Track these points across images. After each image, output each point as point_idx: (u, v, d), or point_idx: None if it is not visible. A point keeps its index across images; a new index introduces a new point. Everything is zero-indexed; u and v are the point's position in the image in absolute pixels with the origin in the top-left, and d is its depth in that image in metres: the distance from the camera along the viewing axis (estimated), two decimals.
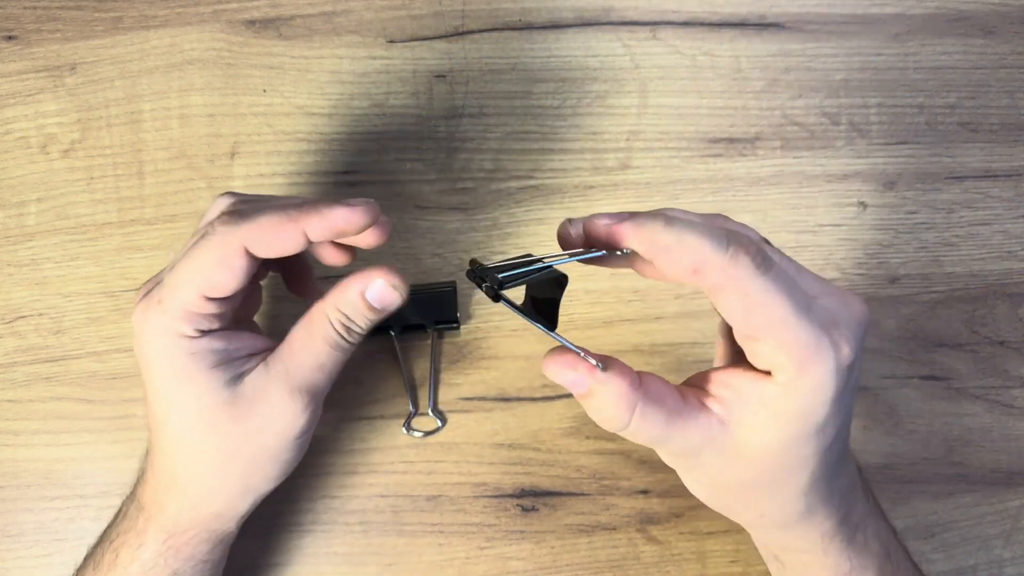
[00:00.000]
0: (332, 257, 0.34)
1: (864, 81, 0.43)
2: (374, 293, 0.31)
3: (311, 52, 0.42)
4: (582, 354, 0.26)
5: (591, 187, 0.42)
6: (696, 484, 0.30)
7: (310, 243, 0.29)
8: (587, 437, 0.39)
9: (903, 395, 0.41)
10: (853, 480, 0.31)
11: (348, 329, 0.31)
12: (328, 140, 0.42)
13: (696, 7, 0.43)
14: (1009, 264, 0.42)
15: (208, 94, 0.41)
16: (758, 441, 0.27)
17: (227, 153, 0.41)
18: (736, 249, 0.25)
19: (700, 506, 0.39)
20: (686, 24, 0.43)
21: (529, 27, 0.43)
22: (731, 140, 0.43)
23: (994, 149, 0.43)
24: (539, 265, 0.27)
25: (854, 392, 0.28)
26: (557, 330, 0.28)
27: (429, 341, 0.39)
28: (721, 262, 0.25)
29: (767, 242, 0.29)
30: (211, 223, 0.29)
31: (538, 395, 0.40)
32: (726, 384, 0.28)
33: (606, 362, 0.26)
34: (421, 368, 0.40)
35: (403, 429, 0.39)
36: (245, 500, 0.32)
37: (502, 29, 0.43)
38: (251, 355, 0.31)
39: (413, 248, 0.41)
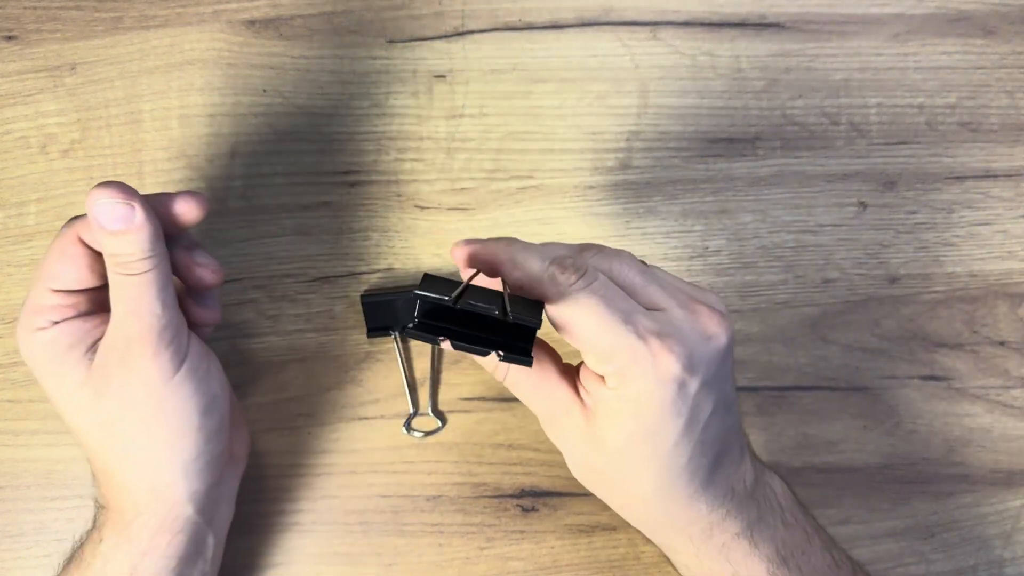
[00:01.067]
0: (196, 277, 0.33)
1: (864, 81, 0.43)
2: (101, 217, 0.29)
3: (311, 52, 0.42)
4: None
5: (591, 187, 0.42)
6: (571, 463, 0.33)
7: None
8: None
9: (903, 395, 0.41)
10: (733, 486, 0.31)
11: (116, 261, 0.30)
12: (328, 140, 0.41)
13: (696, 7, 0.43)
14: (1009, 264, 0.42)
15: (208, 94, 0.41)
16: (605, 434, 0.30)
17: (227, 153, 0.41)
18: (554, 268, 0.29)
19: None
20: (686, 24, 0.43)
21: (529, 27, 0.43)
22: (731, 140, 0.43)
23: (994, 149, 0.43)
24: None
25: (718, 400, 0.29)
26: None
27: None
28: (540, 279, 0.29)
29: (643, 263, 0.31)
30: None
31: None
32: (585, 377, 0.31)
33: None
34: (421, 368, 0.40)
35: (403, 429, 0.39)
36: (176, 472, 0.31)
37: (502, 29, 0.43)
38: (101, 330, 0.31)
39: (413, 248, 0.41)
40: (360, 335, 0.40)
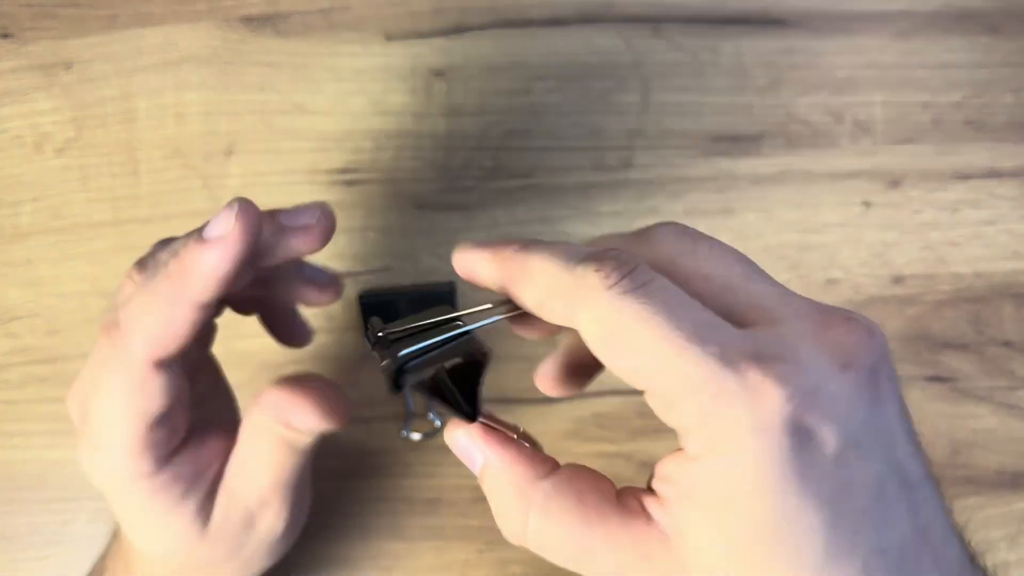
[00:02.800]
0: (309, 297, 0.30)
1: (869, 79, 0.43)
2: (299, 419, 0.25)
3: (308, 49, 0.42)
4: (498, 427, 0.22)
5: (592, 186, 0.41)
6: None
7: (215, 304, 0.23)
8: (588, 439, 0.39)
9: (908, 396, 0.40)
10: (906, 553, 0.19)
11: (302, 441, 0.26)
12: (325, 138, 0.41)
13: (699, 3, 0.43)
14: (1015, 264, 0.42)
15: (204, 92, 0.41)
16: (700, 558, 0.18)
17: (223, 151, 0.41)
18: (586, 265, 0.19)
19: None
20: (689, 21, 0.43)
21: (529, 24, 0.42)
22: (734, 138, 0.42)
23: (1000, 147, 0.43)
24: (455, 332, 0.22)
25: (883, 471, 0.18)
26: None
27: None
28: (563, 282, 0.19)
29: (737, 253, 0.22)
30: (101, 332, 0.24)
31: (539, 397, 0.39)
32: (665, 477, 0.19)
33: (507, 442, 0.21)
34: None
35: (402, 432, 0.38)
36: None
37: (502, 26, 0.42)
38: (222, 464, 0.27)
39: (412, 248, 0.41)
40: (358, 336, 0.40)
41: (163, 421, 0.24)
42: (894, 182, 0.42)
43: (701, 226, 0.41)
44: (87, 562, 0.38)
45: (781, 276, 0.41)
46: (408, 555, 0.38)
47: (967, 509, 0.40)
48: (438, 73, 0.42)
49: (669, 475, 0.19)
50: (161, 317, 0.23)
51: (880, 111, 0.43)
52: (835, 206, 0.42)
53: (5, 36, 0.42)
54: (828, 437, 0.17)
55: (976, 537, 0.39)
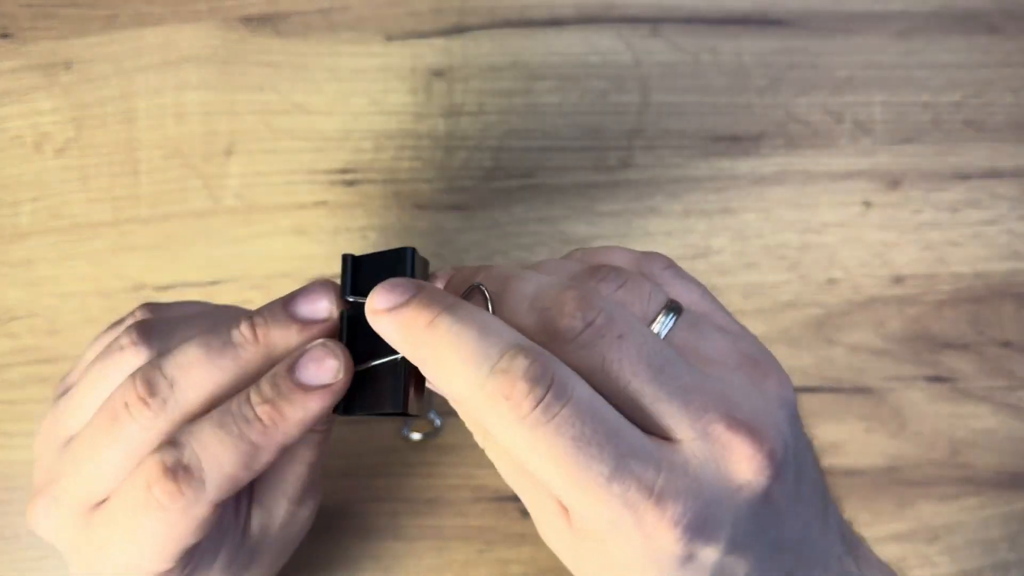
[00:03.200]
0: None
1: (868, 79, 0.43)
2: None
3: (308, 49, 0.42)
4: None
5: (592, 186, 0.41)
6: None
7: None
8: None
9: (908, 396, 0.41)
10: None
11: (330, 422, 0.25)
12: (325, 138, 0.41)
13: (699, 3, 0.43)
14: (1015, 264, 0.42)
15: (204, 92, 0.41)
16: (590, 556, 0.21)
17: (223, 151, 0.41)
18: (498, 379, 0.18)
19: None
20: (688, 21, 0.43)
21: (529, 24, 0.42)
22: (734, 138, 0.42)
23: (1000, 147, 0.43)
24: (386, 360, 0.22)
25: (766, 569, 0.20)
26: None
27: None
28: (473, 393, 0.18)
29: (650, 291, 0.21)
30: (161, 476, 0.21)
31: None
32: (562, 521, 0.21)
33: None
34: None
35: (402, 431, 0.39)
36: None
37: (502, 26, 0.42)
38: (233, 502, 0.25)
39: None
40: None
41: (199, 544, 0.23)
42: (894, 182, 0.42)
43: (701, 226, 0.41)
44: None
45: (781, 276, 0.41)
46: (408, 555, 0.38)
47: (967, 509, 0.40)
48: (438, 73, 0.42)
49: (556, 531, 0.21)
50: (242, 462, 0.21)
51: (880, 111, 0.43)
52: (835, 206, 0.42)
53: (5, 36, 0.42)
54: (711, 555, 0.19)
55: (976, 537, 0.39)
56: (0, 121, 0.41)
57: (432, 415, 0.39)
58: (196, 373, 0.21)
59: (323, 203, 0.41)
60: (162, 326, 0.24)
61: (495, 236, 0.41)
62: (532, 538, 0.38)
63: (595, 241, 0.41)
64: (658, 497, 0.18)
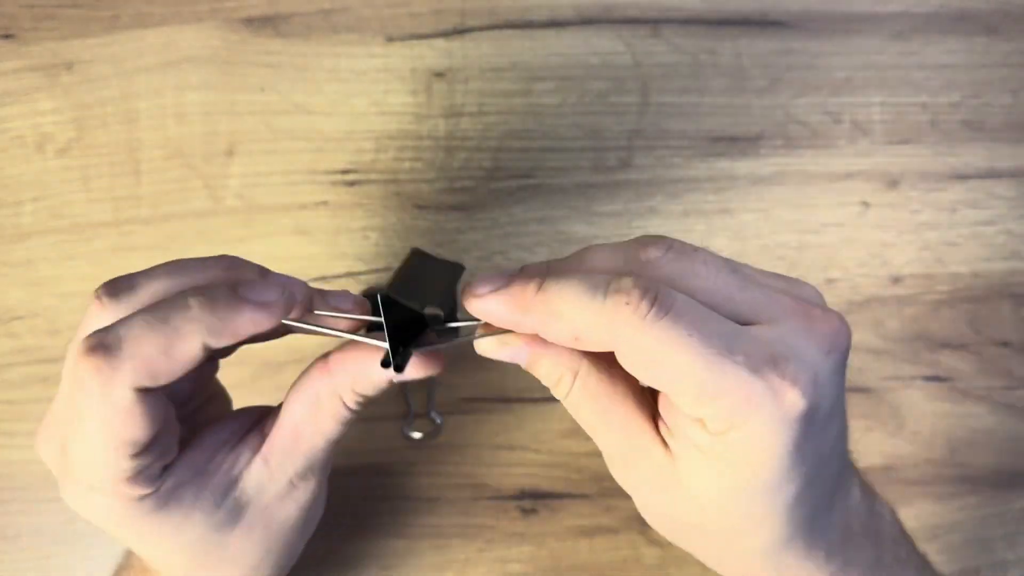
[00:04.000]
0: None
1: (867, 79, 0.43)
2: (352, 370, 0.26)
3: (309, 50, 0.42)
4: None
5: (592, 186, 0.42)
6: (647, 512, 0.26)
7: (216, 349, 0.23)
8: (588, 438, 0.39)
9: (906, 396, 0.41)
10: (849, 523, 0.26)
11: (362, 404, 0.27)
12: (326, 138, 0.41)
13: (698, 5, 0.43)
14: (1013, 264, 0.42)
15: (205, 92, 0.41)
16: (700, 486, 0.23)
17: (224, 151, 0.41)
18: (615, 297, 0.21)
19: None
20: (688, 22, 0.43)
21: (529, 25, 0.43)
22: (733, 139, 0.42)
23: (998, 148, 0.43)
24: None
25: (840, 427, 0.24)
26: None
27: None
28: (597, 318, 0.21)
29: (725, 260, 0.24)
30: (82, 355, 0.22)
31: (539, 396, 0.39)
32: (668, 413, 0.23)
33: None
34: None
35: (403, 430, 0.39)
36: None
37: (502, 27, 0.43)
38: (234, 448, 0.26)
39: (412, 247, 0.41)
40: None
41: (152, 444, 0.23)
42: (892, 182, 0.43)
43: (700, 226, 0.41)
44: (89, 561, 0.38)
45: None
46: (409, 553, 0.38)
47: (965, 508, 0.40)
48: (438, 74, 0.42)
49: (683, 432, 0.23)
50: (162, 349, 0.22)
51: (878, 112, 0.43)
52: (833, 206, 0.42)
53: (7, 37, 0.42)
54: (820, 417, 0.22)
55: (974, 536, 0.39)
56: (1, 121, 0.41)
57: (433, 414, 0.39)
58: (138, 327, 0.23)
59: (324, 203, 0.41)
60: (125, 283, 0.24)
61: (495, 236, 0.41)
62: (532, 537, 0.38)
63: (594, 241, 0.41)
64: (778, 363, 0.21)
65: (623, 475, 0.26)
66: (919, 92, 0.43)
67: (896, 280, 0.42)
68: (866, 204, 0.42)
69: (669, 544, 0.38)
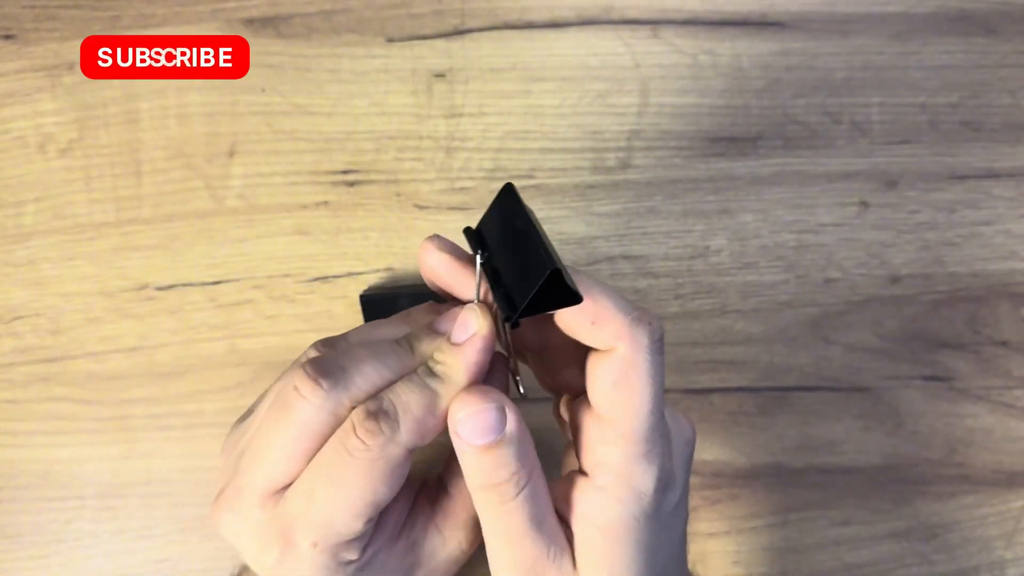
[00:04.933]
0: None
1: (866, 80, 0.43)
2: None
3: (310, 51, 0.42)
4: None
5: (591, 186, 0.42)
6: None
7: None
8: None
9: (905, 396, 0.41)
10: None
11: None
12: (327, 139, 0.41)
13: (697, 6, 0.43)
14: (1012, 264, 0.42)
15: (206, 93, 0.41)
16: (591, 571, 0.25)
17: (225, 152, 0.41)
18: (639, 317, 0.24)
19: (700, 507, 0.39)
20: (687, 23, 0.43)
21: (529, 26, 0.43)
22: (732, 139, 0.42)
23: (996, 148, 0.43)
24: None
25: (682, 520, 0.27)
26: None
27: None
28: (622, 322, 0.24)
29: None
30: (364, 419, 0.24)
31: (539, 396, 0.40)
32: (566, 501, 0.26)
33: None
34: None
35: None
36: None
37: (502, 28, 0.43)
38: (409, 513, 0.28)
39: (412, 248, 0.41)
40: None
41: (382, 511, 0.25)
42: (891, 182, 0.43)
43: (699, 226, 0.41)
44: (90, 560, 0.38)
45: (778, 276, 0.41)
46: None
47: (964, 508, 0.40)
48: (439, 75, 0.42)
49: (588, 513, 0.26)
50: (428, 406, 0.25)
51: (877, 112, 0.43)
52: (832, 206, 0.42)
53: (8, 37, 0.42)
54: (677, 495, 0.26)
55: (972, 536, 0.39)
56: (3, 122, 0.41)
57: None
58: (364, 364, 0.25)
59: (325, 203, 0.41)
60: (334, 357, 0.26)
61: None
62: None
63: (594, 241, 0.41)
64: (667, 438, 0.26)
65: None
66: (918, 92, 0.43)
67: (895, 280, 0.42)
68: (865, 204, 0.42)
69: None
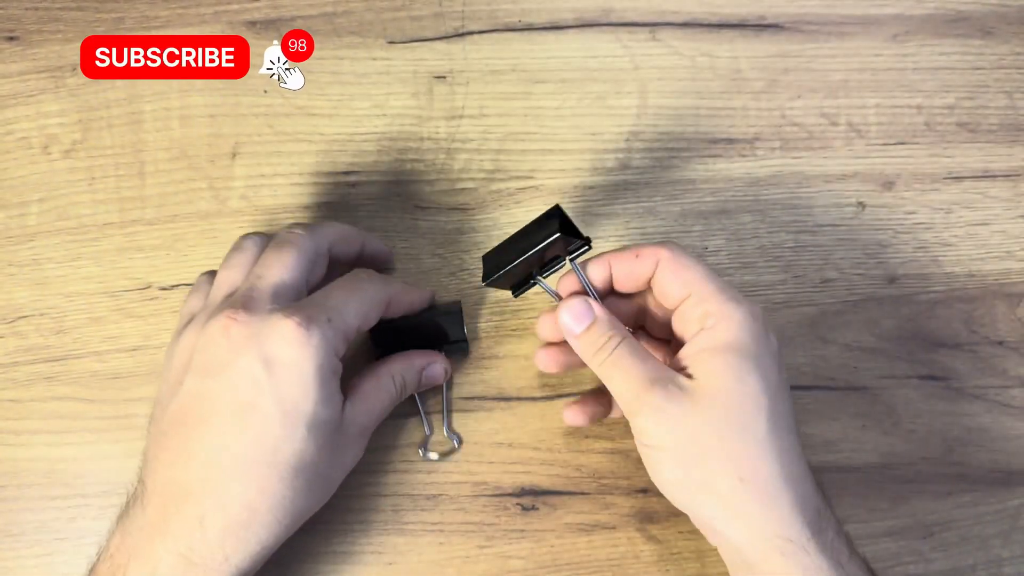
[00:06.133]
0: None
1: (863, 81, 0.44)
2: (430, 372, 0.37)
3: (312, 53, 0.42)
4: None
5: (591, 187, 0.42)
6: (669, 461, 0.32)
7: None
8: (587, 436, 0.39)
9: (902, 395, 0.41)
10: (814, 490, 0.32)
11: (403, 390, 0.36)
12: (329, 140, 0.42)
13: (695, 8, 0.43)
14: (1007, 264, 0.42)
15: (209, 95, 0.42)
16: (710, 380, 0.31)
17: (228, 153, 0.41)
18: (665, 241, 0.34)
19: None
20: (685, 25, 0.43)
21: (529, 28, 0.43)
22: (730, 140, 0.43)
23: (992, 149, 0.43)
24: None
25: (782, 369, 0.33)
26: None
27: None
28: (654, 246, 0.34)
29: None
30: (363, 272, 0.35)
31: (538, 395, 0.40)
32: (679, 355, 0.33)
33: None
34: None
35: (419, 451, 0.39)
36: (277, 528, 0.31)
37: (502, 30, 0.43)
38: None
39: (413, 248, 0.41)
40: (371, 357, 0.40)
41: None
42: (888, 183, 0.43)
43: (698, 227, 0.42)
44: (92, 559, 0.38)
45: (776, 276, 0.42)
46: (409, 550, 0.38)
47: (961, 506, 0.40)
48: (439, 76, 0.42)
49: (693, 343, 0.33)
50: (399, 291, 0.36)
51: (874, 113, 0.43)
52: (830, 207, 0.42)
53: (12, 39, 0.42)
54: (773, 341, 0.33)
55: (970, 534, 0.40)
56: (7, 123, 0.41)
57: (451, 436, 0.39)
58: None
59: (326, 204, 0.41)
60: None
61: (496, 237, 0.41)
62: (532, 533, 0.39)
63: (594, 241, 0.41)
64: (742, 294, 0.33)
65: (651, 421, 0.32)
66: (914, 94, 0.44)
67: (892, 280, 0.42)
68: (862, 205, 0.43)
69: (667, 540, 0.38)
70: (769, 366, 0.32)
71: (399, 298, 0.36)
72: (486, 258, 0.36)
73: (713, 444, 0.31)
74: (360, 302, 0.33)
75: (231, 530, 0.30)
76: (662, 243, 0.34)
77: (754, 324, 0.32)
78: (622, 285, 0.35)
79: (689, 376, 0.32)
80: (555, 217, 0.33)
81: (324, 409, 0.31)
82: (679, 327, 0.34)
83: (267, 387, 0.30)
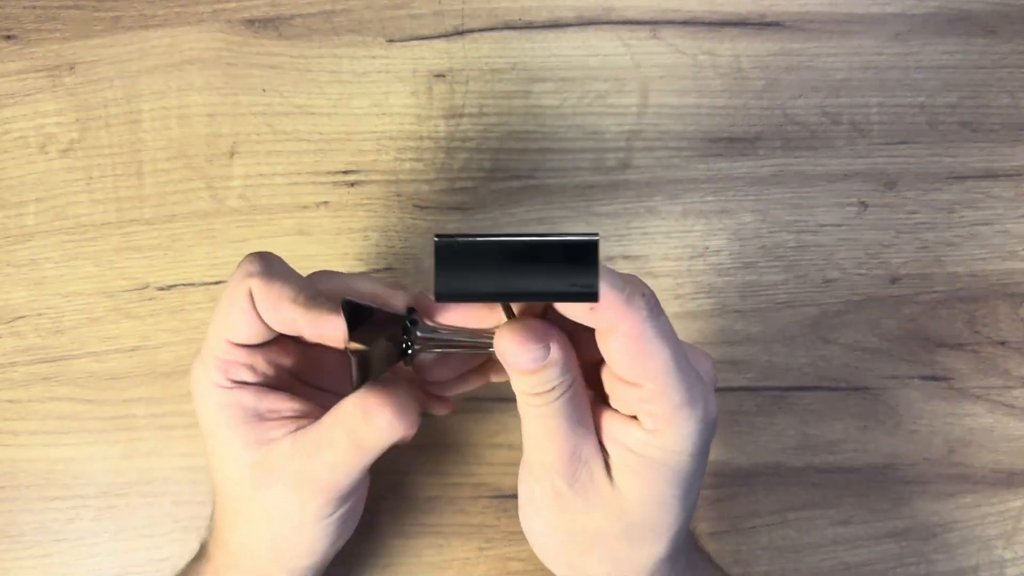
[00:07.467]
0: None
1: (865, 80, 0.43)
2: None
3: (310, 51, 0.42)
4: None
5: (591, 187, 0.42)
6: (555, 536, 0.29)
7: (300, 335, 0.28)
8: None
9: (904, 395, 0.41)
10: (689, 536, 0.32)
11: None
12: (327, 139, 0.41)
13: (696, 6, 0.43)
14: (1010, 264, 0.42)
15: (207, 94, 0.41)
16: (630, 491, 0.27)
17: (226, 153, 0.41)
18: (632, 290, 0.25)
19: (700, 507, 0.40)
20: (686, 23, 0.43)
21: (529, 26, 0.43)
22: (731, 139, 0.42)
23: (995, 149, 0.43)
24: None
25: (704, 468, 0.28)
26: None
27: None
28: (617, 301, 0.24)
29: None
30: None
31: None
32: (606, 435, 0.28)
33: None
34: None
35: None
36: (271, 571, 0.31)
37: (502, 28, 0.43)
38: (289, 419, 0.30)
39: (413, 248, 0.41)
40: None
41: (249, 350, 0.29)
42: (890, 183, 0.43)
43: (699, 226, 0.41)
44: (91, 560, 0.38)
45: (778, 276, 0.41)
46: (409, 552, 0.38)
47: (963, 507, 0.40)
48: (439, 75, 0.42)
49: (619, 435, 0.27)
50: (269, 291, 0.28)
51: (876, 112, 0.43)
52: (831, 207, 0.42)
53: (9, 38, 0.42)
54: (713, 430, 0.28)
55: (972, 535, 0.40)
56: (4, 123, 0.41)
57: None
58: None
59: (325, 204, 0.41)
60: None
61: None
62: None
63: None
64: (701, 379, 0.27)
65: (547, 495, 0.28)
66: (917, 93, 0.44)
67: (894, 280, 0.42)
68: (864, 204, 0.42)
69: None
70: (695, 483, 0.28)
71: (261, 296, 0.28)
72: (453, 246, 0.24)
73: (603, 550, 0.28)
74: (216, 316, 0.29)
75: None
76: (632, 297, 0.25)
77: (699, 438, 0.27)
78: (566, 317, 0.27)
79: (608, 467, 0.28)
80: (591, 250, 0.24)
81: (217, 446, 0.30)
82: (619, 403, 0.28)
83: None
